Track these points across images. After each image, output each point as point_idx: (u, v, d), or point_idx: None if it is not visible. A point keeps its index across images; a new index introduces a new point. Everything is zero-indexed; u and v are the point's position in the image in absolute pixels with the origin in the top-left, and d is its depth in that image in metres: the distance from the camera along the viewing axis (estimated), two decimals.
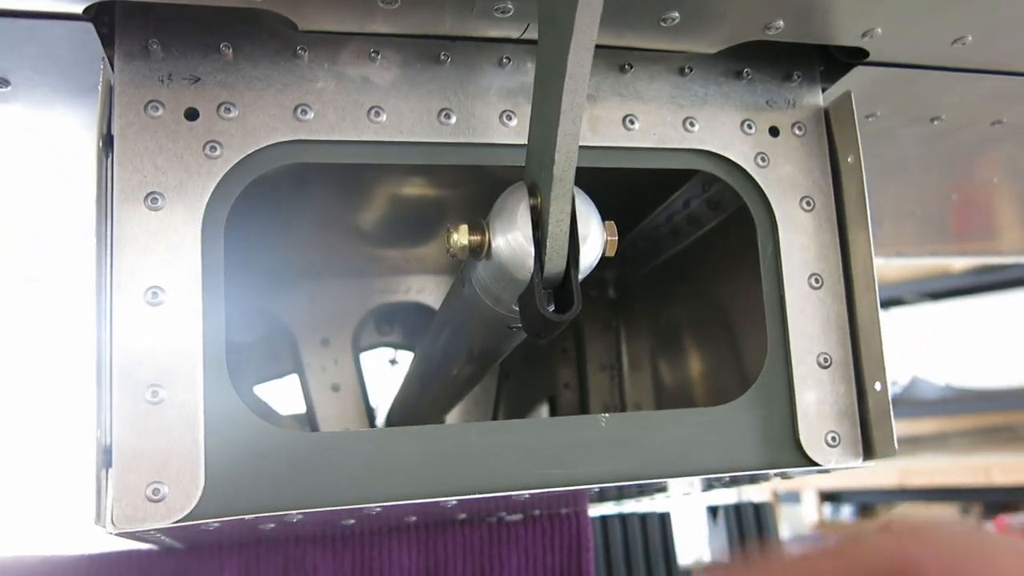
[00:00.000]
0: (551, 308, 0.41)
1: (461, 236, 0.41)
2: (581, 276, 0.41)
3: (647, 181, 0.69)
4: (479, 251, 0.42)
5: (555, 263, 0.40)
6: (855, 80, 0.53)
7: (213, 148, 0.44)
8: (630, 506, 0.99)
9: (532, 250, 0.40)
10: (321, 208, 0.75)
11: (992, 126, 0.61)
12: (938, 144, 0.64)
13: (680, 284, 0.82)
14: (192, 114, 0.45)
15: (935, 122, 0.60)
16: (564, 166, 0.38)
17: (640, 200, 0.73)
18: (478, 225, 0.42)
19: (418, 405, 0.79)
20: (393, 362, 1.22)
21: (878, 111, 0.58)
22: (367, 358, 1.03)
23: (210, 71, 0.45)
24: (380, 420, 0.96)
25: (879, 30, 0.47)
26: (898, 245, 0.99)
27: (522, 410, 1.09)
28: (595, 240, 0.41)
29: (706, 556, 0.99)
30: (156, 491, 0.41)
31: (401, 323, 1.07)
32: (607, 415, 0.47)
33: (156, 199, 0.43)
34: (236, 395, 0.43)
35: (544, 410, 1.07)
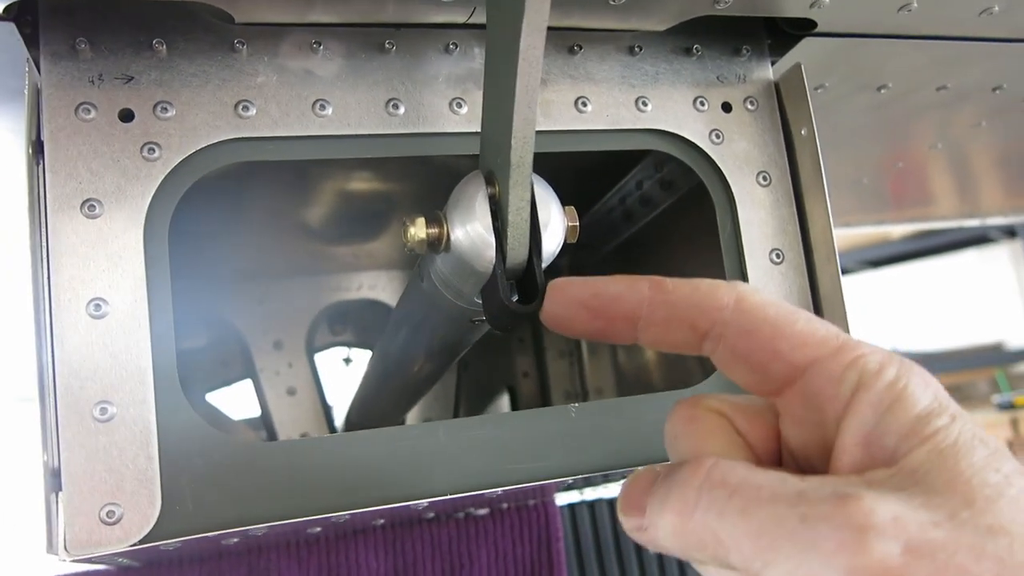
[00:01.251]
0: (515, 299, 0.39)
1: (418, 230, 0.40)
2: (544, 264, 0.40)
3: (598, 165, 0.68)
4: (437, 244, 0.40)
5: (517, 252, 0.39)
6: (803, 52, 0.53)
7: (151, 150, 0.42)
8: (598, 492, 0.99)
9: (493, 240, 0.39)
10: (266, 206, 0.73)
11: (937, 91, 0.61)
12: (885, 112, 0.64)
13: (636, 267, 0.82)
14: (127, 115, 0.42)
15: (882, 90, 0.60)
16: (521, 152, 0.37)
17: (591, 184, 0.72)
18: (435, 217, 0.40)
19: (378, 404, 0.77)
20: (347, 361, 1.20)
21: (826, 82, 0.58)
22: (322, 359, 1.01)
23: (143, 69, 0.43)
24: (338, 422, 0.95)
25: (826, 0, 0.47)
26: (845, 215, 1.00)
27: (482, 402, 1.08)
28: (556, 227, 0.40)
29: None
30: (111, 513, 0.39)
31: (354, 321, 1.05)
32: (576, 405, 0.47)
33: (93, 206, 0.41)
34: (190, 407, 0.41)
35: (504, 400, 1.06)
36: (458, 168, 0.64)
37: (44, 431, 0.39)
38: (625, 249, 0.82)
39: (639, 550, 0.95)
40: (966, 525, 0.24)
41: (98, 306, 0.40)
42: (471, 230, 0.39)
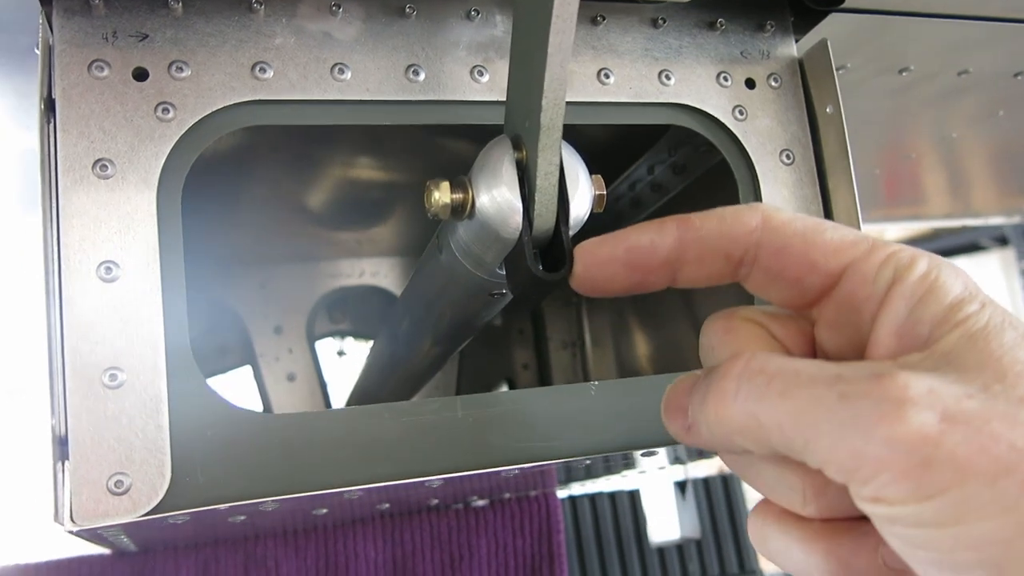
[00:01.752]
0: (540, 267, 0.38)
1: (442, 194, 0.39)
2: (571, 232, 0.39)
3: (608, 148, 0.67)
4: (461, 210, 0.39)
5: (544, 219, 0.38)
6: (827, 29, 0.52)
7: (166, 110, 0.41)
8: (599, 485, 0.98)
9: (520, 206, 0.38)
10: (268, 189, 0.72)
11: (959, 76, 0.60)
12: (904, 97, 0.63)
13: None
14: (141, 74, 0.41)
15: (903, 73, 0.59)
16: (552, 114, 0.36)
17: (600, 169, 0.72)
18: (460, 182, 0.39)
19: (381, 391, 0.76)
20: (341, 353, 1.19)
21: (848, 63, 0.57)
22: (320, 347, 0.99)
23: (159, 27, 0.42)
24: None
25: None
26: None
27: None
28: (584, 194, 0.39)
29: (676, 532, 0.99)
30: (119, 483, 0.37)
31: (354, 309, 1.03)
32: (596, 383, 0.45)
33: (105, 166, 0.40)
34: (202, 376, 0.40)
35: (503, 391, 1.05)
36: (468, 156, 0.63)
37: (52, 398, 0.37)
38: None
39: (639, 543, 0.94)
40: (999, 396, 0.25)
41: (109, 269, 0.39)
42: (498, 195, 0.38)
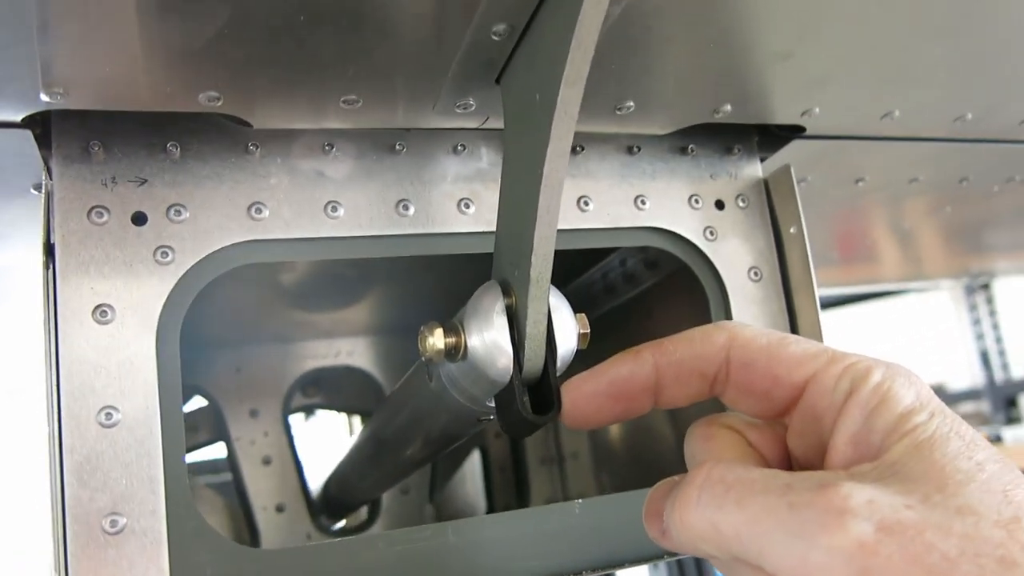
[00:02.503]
0: (530, 409, 0.40)
1: (436, 340, 0.40)
2: (559, 372, 0.41)
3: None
4: (455, 353, 0.41)
5: (533, 363, 0.40)
6: (790, 152, 0.56)
7: (164, 254, 0.42)
8: None
9: (510, 351, 0.39)
10: (246, 275, 0.72)
11: (909, 183, 0.64)
12: (861, 200, 0.67)
13: (619, 337, 0.83)
14: (140, 219, 0.42)
15: (859, 183, 0.63)
16: (541, 268, 0.38)
17: (574, 260, 0.74)
18: (452, 327, 0.41)
19: (363, 481, 0.76)
20: (309, 415, 1.19)
21: (808, 176, 0.61)
22: (291, 420, 1.00)
23: (157, 172, 0.43)
24: (314, 491, 0.93)
25: (817, 110, 0.49)
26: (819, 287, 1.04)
27: (454, 463, 1.08)
28: (570, 335, 0.41)
29: None
30: None
31: (328, 385, 1.04)
32: (580, 501, 0.47)
33: (105, 312, 0.41)
34: (201, 516, 0.41)
35: (475, 459, 1.06)
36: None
37: (55, 547, 0.38)
38: (605, 320, 0.84)
39: None
40: (936, 507, 0.26)
41: (109, 415, 0.40)
42: (488, 339, 0.40)
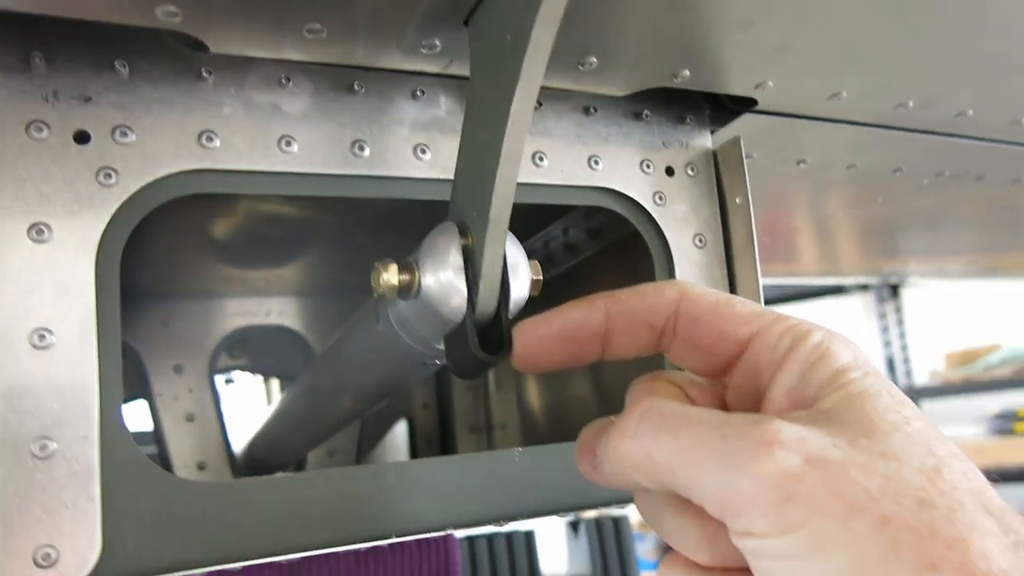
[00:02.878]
0: (482, 350, 0.40)
1: (391, 276, 0.40)
2: (510, 316, 0.41)
3: (527, 205, 0.70)
4: (408, 291, 0.40)
5: (487, 304, 0.40)
6: (739, 125, 0.57)
7: (108, 175, 0.41)
8: (496, 527, 0.99)
9: (464, 290, 0.39)
10: (177, 222, 0.70)
11: (847, 169, 0.66)
12: (799, 183, 0.69)
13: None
14: (83, 137, 0.41)
15: (800, 164, 0.65)
16: (500, 208, 0.38)
17: (515, 226, 0.74)
18: (407, 264, 0.41)
19: (291, 438, 0.75)
20: (229, 381, 1.17)
21: (754, 153, 0.62)
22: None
23: (103, 90, 0.41)
24: (237, 451, 0.92)
25: (771, 83, 0.51)
26: None
27: (378, 431, 1.07)
28: (524, 280, 0.41)
29: (568, 570, 1.02)
30: (46, 556, 0.37)
31: (255, 346, 1.02)
32: (520, 449, 0.48)
33: (42, 230, 0.39)
34: (136, 445, 0.40)
35: (402, 429, 1.06)
36: (383, 204, 0.64)
37: None
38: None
39: None
40: (863, 449, 0.28)
41: (42, 336, 0.38)
42: (443, 278, 0.39)
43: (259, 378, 1.14)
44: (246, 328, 0.90)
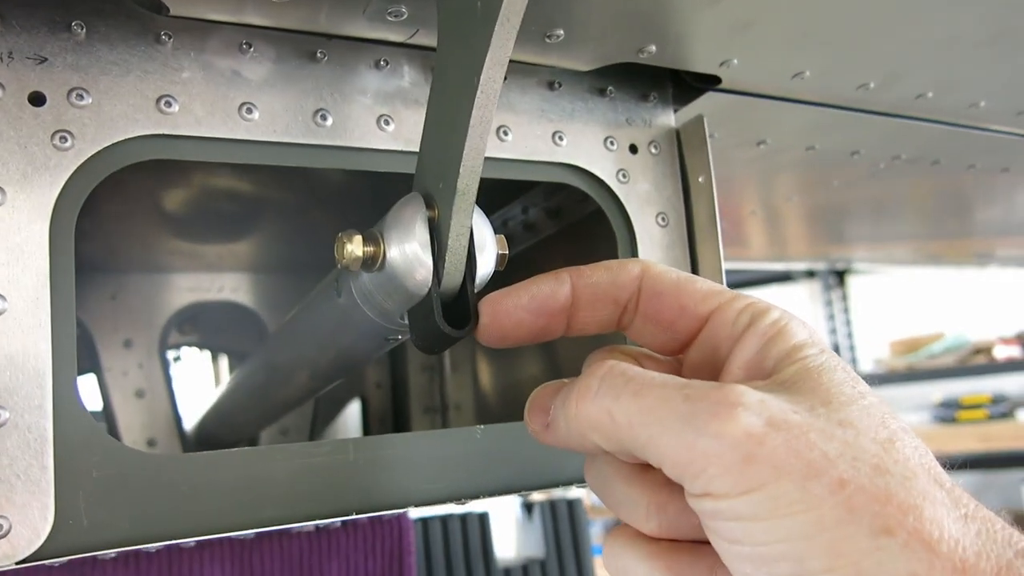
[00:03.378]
0: (446, 323, 0.40)
1: (355, 247, 0.39)
2: (476, 290, 0.41)
3: (486, 187, 0.69)
4: (372, 263, 0.40)
5: (452, 277, 0.40)
6: (702, 105, 0.57)
7: (63, 139, 0.39)
8: (450, 506, 0.99)
9: (430, 263, 0.39)
10: (128, 193, 0.69)
11: (806, 151, 0.67)
12: (758, 165, 0.69)
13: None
14: (38, 99, 0.39)
15: (760, 145, 0.65)
16: (468, 180, 0.38)
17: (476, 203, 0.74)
18: (372, 236, 0.40)
19: (244, 415, 0.74)
20: (177, 359, 1.15)
21: (716, 133, 0.63)
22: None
23: (59, 51, 0.40)
24: (188, 428, 0.90)
25: (735, 61, 0.51)
26: None
27: (333, 411, 1.06)
28: (490, 254, 0.41)
29: (521, 552, 1.02)
30: None
31: (206, 323, 1.00)
32: (482, 427, 0.47)
33: None
34: (89, 415, 0.39)
35: (355, 409, 1.05)
36: (341, 178, 0.63)
37: None
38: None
39: (487, 564, 0.96)
40: (820, 416, 0.29)
41: None
42: (409, 250, 0.39)
43: (207, 355, 1.12)
44: (198, 304, 0.88)
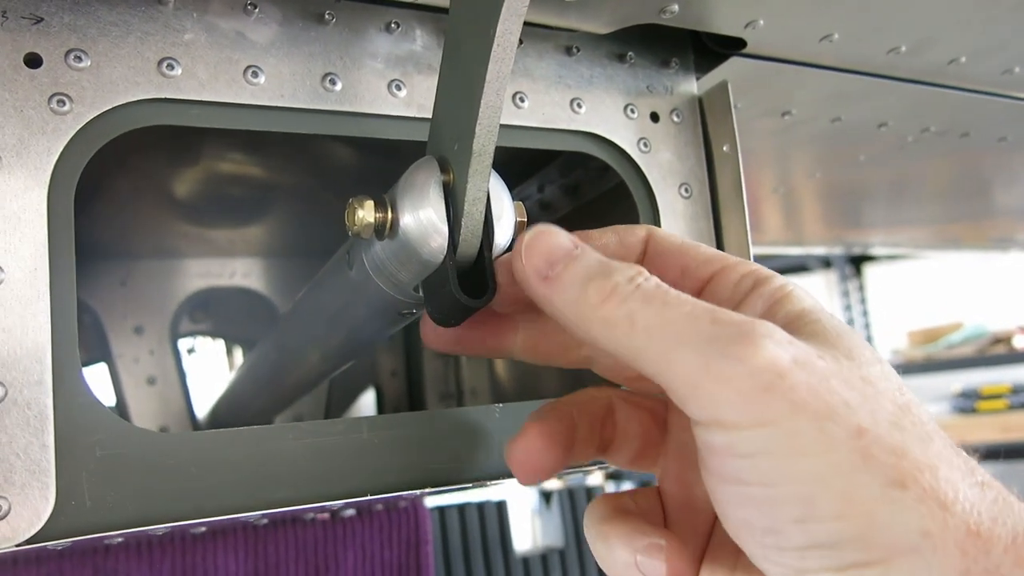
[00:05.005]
0: (463, 293, 0.38)
1: (367, 213, 0.37)
2: (494, 258, 0.39)
3: (501, 160, 0.68)
4: (383, 229, 0.38)
5: (469, 244, 0.38)
6: (724, 72, 0.55)
7: (61, 102, 0.38)
8: (468, 495, 0.97)
9: (445, 229, 0.37)
10: (138, 177, 0.67)
11: (832, 122, 0.65)
12: (782, 137, 0.67)
13: None
14: (34, 61, 0.38)
15: (785, 116, 0.63)
16: (485, 140, 0.36)
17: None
18: (383, 201, 0.38)
19: (256, 401, 0.73)
20: (191, 351, 1.13)
21: (739, 103, 0.60)
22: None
23: (55, 11, 0.38)
24: (200, 416, 0.89)
25: (761, 21, 0.49)
26: None
27: (347, 400, 1.05)
28: (508, 221, 0.39)
29: (540, 542, 1.01)
30: None
31: (219, 310, 0.99)
32: (500, 405, 0.46)
33: None
34: (91, 391, 0.37)
35: (369, 398, 1.03)
36: (354, 162, 0.62)
37: None
38: None
39: (505, 553, 0.94)
40: (844, 367, 0.28)
41: None
42: (423, 216, 0.37)
43: (220, 344, 1.10)
44: (209, 289, 0.87)
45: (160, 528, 0.38)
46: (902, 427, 0.27)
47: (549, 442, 0.35)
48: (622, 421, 0.37)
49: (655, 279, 0.30)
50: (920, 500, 0.25)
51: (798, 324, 0.30)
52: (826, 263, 4.35)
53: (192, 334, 1.01)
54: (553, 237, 0.33)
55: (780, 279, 0.33)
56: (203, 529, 0.76)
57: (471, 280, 0.39)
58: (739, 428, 0.26)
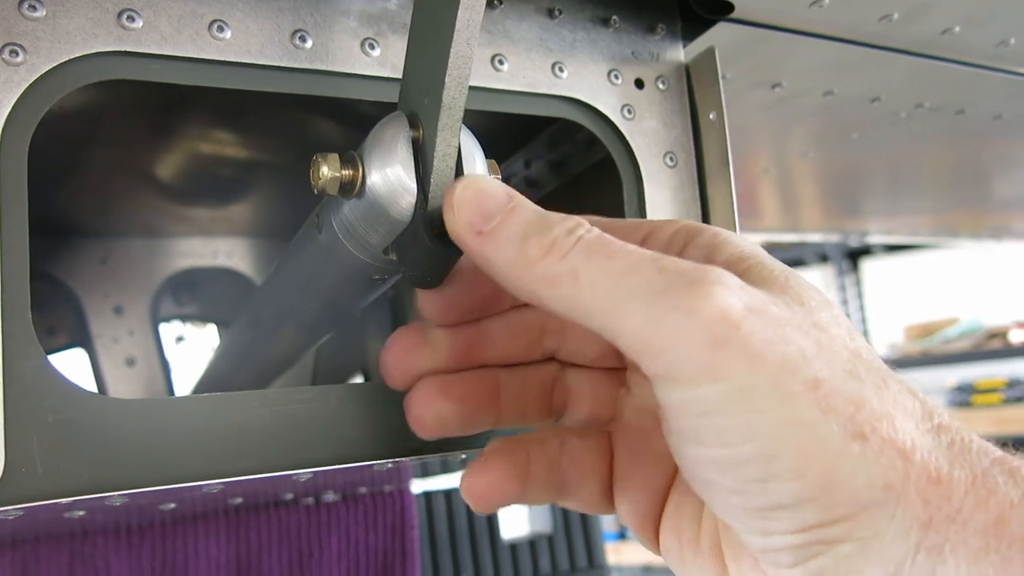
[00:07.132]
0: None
1: (331, 168, 0.36)
2: None
3: (487, 136, 0.66)
4: (350, 188, 0.37)
5: (439, 201, 0.36)
6: (712, 39, 0.53)
7: (14, 53, 0.36)
8: (454, 480, 0.96)
9: (414, 186, 0.36)
10: (117, 153, 0.66)
11: (824, 96, 0.63)
12: (773, 112, 0.66)
13: None
14: None
15: (775, 88, 0.61)
16: (455, 92, 0.34)
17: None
18: (350, 158, 0.37)
19: (231, 382, 0.71)
20: (180, 339, 1.12)
21: (727, 74, 0.59)
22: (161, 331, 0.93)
23: None
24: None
25: None
26: None
27: (336, 379, 1.03)
28: (481, 175, 0.37)
29: (527, 527, 0.99)
30: None
31: (203, 292, 0.97)
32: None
33: None
34: (43, 354, 0.35)
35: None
36: (338, 136, 0.60)
37: None
38: None
39: (492, 539, 0.93)
40: (798, 313, 0.27)
41: None
42: (391, 174, 0.36)
43: (204, 327, 1.09)
44: (191, 270, 0.85)
45: (116, 496, 0.36)
46: (857, 375, 0.26)
47: (508, 476, 0.35)
48: (578, 456, 0.36)
49: (596, 230, 0.29)
50: (880, 452, 0.24)
51: (741, 268, 0.29)
52: (823, 257, 4.34)
53: (174, 317, 0.99)
54: (486, 186, 0.31)
55: (711, 229, 0.32)
56: (183, 512, 0.75)
57: (444, 239, 0.37)
58: (694, 384, 0.25)
